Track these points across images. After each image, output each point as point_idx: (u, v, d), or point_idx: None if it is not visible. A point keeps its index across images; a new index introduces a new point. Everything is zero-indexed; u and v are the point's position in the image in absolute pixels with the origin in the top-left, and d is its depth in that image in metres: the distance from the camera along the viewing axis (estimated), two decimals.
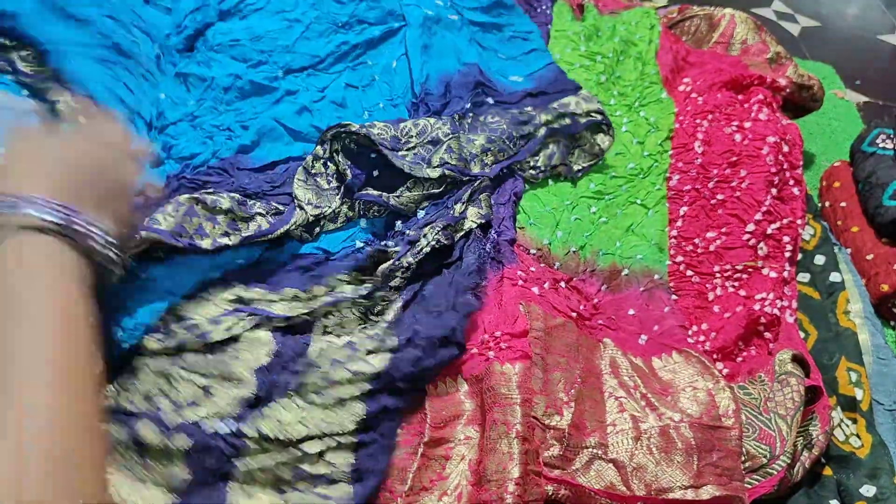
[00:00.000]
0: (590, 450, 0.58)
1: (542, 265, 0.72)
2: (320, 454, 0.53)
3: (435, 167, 0.71)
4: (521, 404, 0.56)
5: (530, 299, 0.65)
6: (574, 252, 0.75)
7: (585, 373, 0.63)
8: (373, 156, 0.71)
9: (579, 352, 0.64)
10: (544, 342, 0.62)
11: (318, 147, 0.69)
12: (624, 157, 0.86)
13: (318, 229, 0.67)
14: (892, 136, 0.97)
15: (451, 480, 0.55)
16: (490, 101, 0.83)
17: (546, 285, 0.69)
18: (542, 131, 0.80)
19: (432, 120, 0.75)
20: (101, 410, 0.41)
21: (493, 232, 0.72)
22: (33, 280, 0.41)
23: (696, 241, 0.80)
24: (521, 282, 0.67)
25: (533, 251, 0.73)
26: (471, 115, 0.80)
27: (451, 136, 0.74)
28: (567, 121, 0.81)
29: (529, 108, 0.82)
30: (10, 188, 0.43)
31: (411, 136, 0.73)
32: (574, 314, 0.68)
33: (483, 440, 0.56)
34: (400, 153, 0.71)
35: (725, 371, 0.69)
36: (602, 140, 0.83)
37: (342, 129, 0.68)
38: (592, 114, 0.82)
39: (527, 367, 0.59)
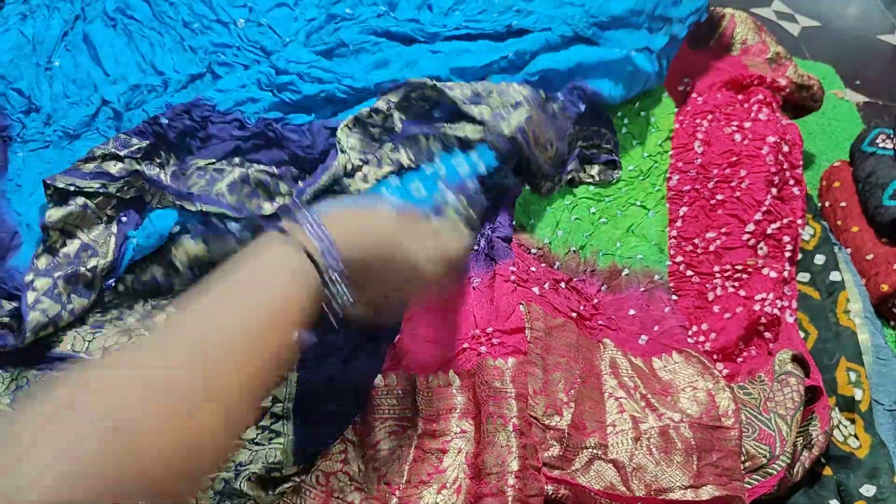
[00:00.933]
0: (590, 450, 0.58)
1: (542, 265, 0.72)
2: None
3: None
4: (515, 398, 0.56)
5: (530, 299, 0.65)
6: (574, 252, 0.75)
7: (585, 373, 0.63)
8: (437, 115, 0.70)
9: (579, 352, 0.64)
10: (544, 342, 0.62)
11: (381, 101, 0.68)
12: (624, 158, 0.86)
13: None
14: (892, 136, 0.97)
15: (450, 474, 0.55)
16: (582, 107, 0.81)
17: (546, 285, 0.69)
18: (575, 152, 0.81)
19: (515, 84, 0.73)
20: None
21: (487, 228, 0.71)
22: (259, 272, 0.40)
23: (696, 241, 0.80)
24: (513, 277, 0.67)
25: (533, 251, 0.73)
26: (556, 105, 0.77)
27: (530, 103, 0.71)
28: (594, 150, 0.83)
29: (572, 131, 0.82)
30: (313, 212, 0.43)
31: (491, 93, 0.71)
32: (574, 314, 0.68)
33: (479, 434, 0.56)
34: (476, 107, 0.69)
35: (725, 371, 0.69)
36: (610, 174, 0.84)
37: (413, 86, 0.67)
38: (608, 150, 0.84)
39: (520, 362, 0.59)
